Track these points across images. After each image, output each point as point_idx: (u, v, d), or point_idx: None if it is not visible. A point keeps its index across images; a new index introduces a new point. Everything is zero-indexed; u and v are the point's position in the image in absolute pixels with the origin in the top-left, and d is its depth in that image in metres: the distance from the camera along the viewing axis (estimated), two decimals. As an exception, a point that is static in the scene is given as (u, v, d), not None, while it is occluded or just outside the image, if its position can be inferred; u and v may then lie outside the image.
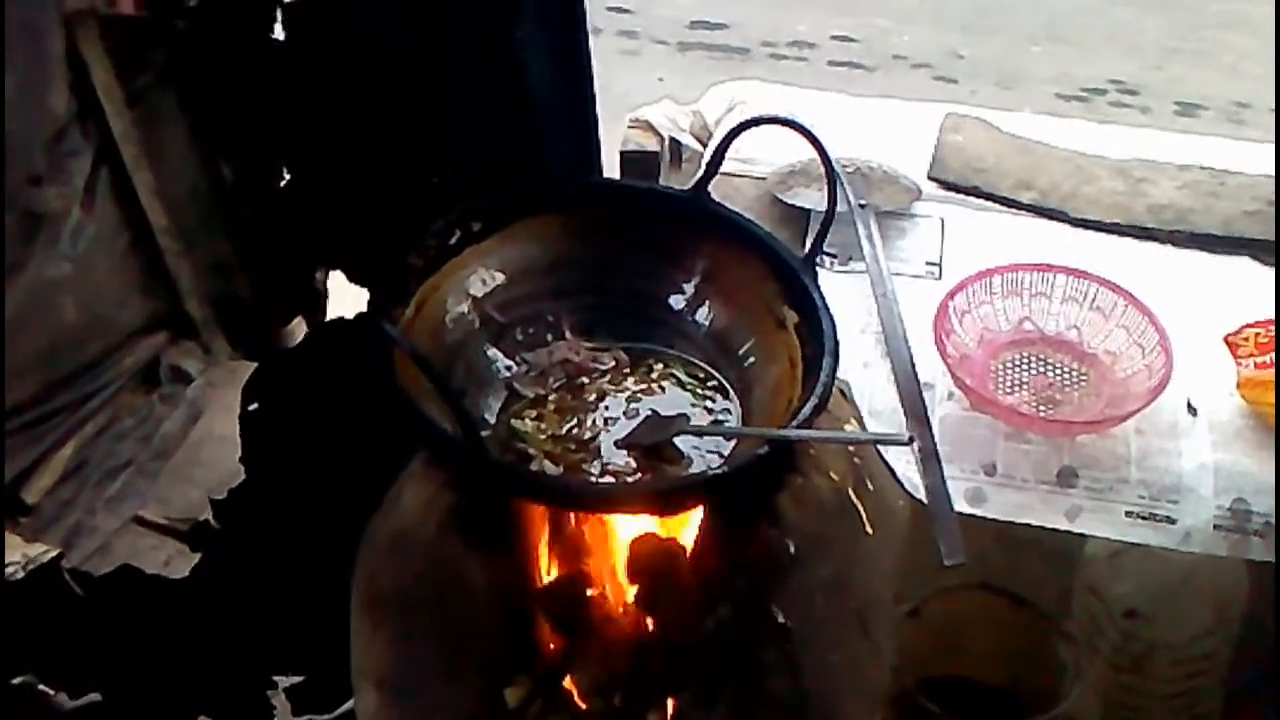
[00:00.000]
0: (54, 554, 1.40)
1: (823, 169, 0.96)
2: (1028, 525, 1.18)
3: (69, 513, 1.63)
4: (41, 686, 1.35)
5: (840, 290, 1.34)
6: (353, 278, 1.12)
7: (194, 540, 1.20)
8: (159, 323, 1.81)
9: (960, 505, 1.15)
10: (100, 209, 1.69)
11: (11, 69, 1.45)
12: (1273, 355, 1.22)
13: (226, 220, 1.72)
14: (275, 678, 1.33)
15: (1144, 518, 1.17)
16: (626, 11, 3.37)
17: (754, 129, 0.98)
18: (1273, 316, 1.24)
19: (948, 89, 3.09)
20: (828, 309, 0.95)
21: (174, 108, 1.68)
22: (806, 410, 0.87)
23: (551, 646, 0.93)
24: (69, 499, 1.64)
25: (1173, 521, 1.16)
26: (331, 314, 1.38)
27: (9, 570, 1.35)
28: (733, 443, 0.93)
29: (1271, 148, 1.57)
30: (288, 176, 1.10)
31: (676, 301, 1.02)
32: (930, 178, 1.52)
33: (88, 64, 1.59)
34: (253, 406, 1.11)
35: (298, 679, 1.33)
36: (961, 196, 1.50)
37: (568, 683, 0.93)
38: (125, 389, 1.77)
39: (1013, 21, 3.38)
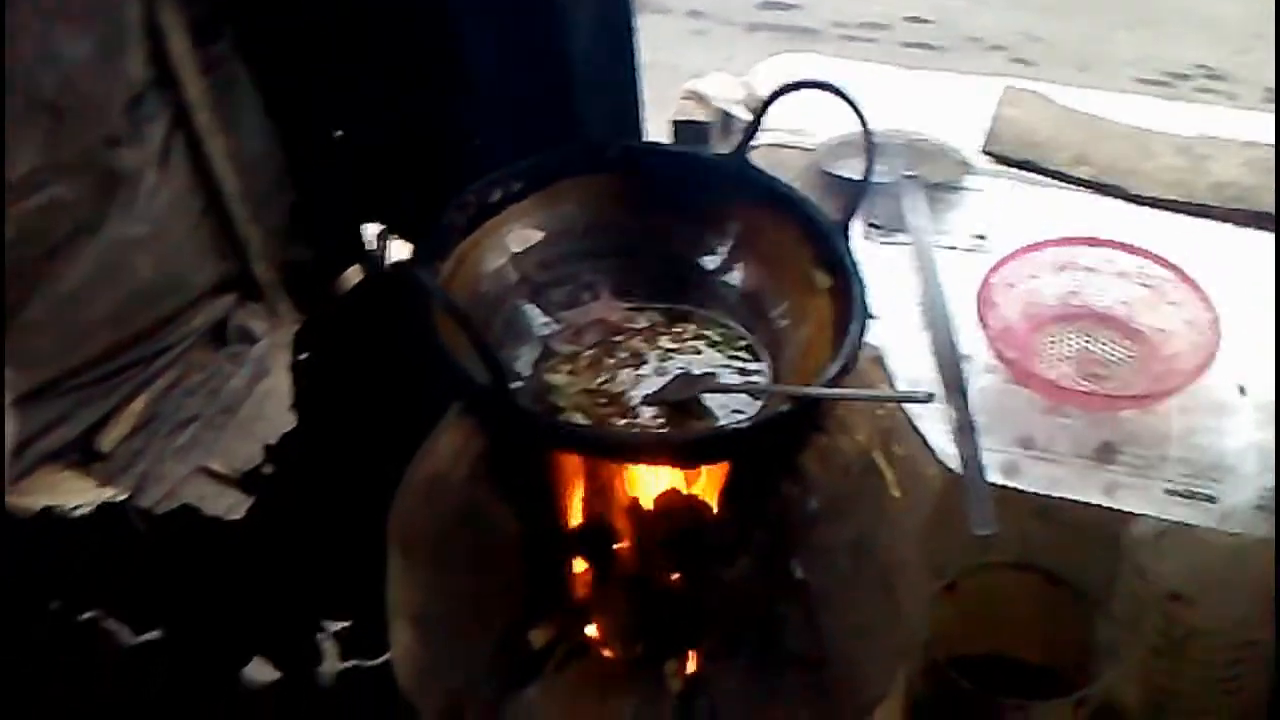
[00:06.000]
0: (124, 497, 1.47)
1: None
2: (1063, 499, 1.17)
3: (139, 461, 1.69)
4: (106, 623, 1.42)
5: (886, 261, 1.34)
6: (400, 234, 1.15)
7: (248, 484, 1.25)
8: (228, 284, 1.87)
9: (994, 477, 1.15)
10: (175, 173, 1.75)
11: (91, 36, 1.51)
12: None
13: (293, 185, 1.77)
14: (324, 623, 1.38)
15: (1184, 495, 1.16)
16: (696, -10, 3.37)
17: (804, 102, 0.99)
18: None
19: (1024, 71, 3.04)
20: (860, 272, 0.96)
21: (246, 76, 1.74)
22: (832, 370, 0.88)
23: (576, 593, 0.96)
24: (140, 449, 1.71)
25: (1213, 500, 1.15)
26: (388, 275, 1.42)
27: (81, 509, 1.43)
28: (760, 402, 0.94)
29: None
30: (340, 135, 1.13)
31: (712, 263, 1.04)
32: (985, 151, 1.51)
33: (165, 33, 1.65)
34: (303, 356, 1.15)
35: (345, 624, 1.38)
36: (1015, 170, 1.49)
37: (592, 630, 0.96)
38: (195, 347, 1.83)
39: (1095, 3, 3.30)
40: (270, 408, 1.79)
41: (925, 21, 3.26)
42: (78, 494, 1.52)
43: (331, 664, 1.41)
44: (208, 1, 1.67)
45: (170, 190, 1.72)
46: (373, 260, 1.35)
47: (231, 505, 1.58)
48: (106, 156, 1.59)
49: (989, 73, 1.74)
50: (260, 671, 1.42)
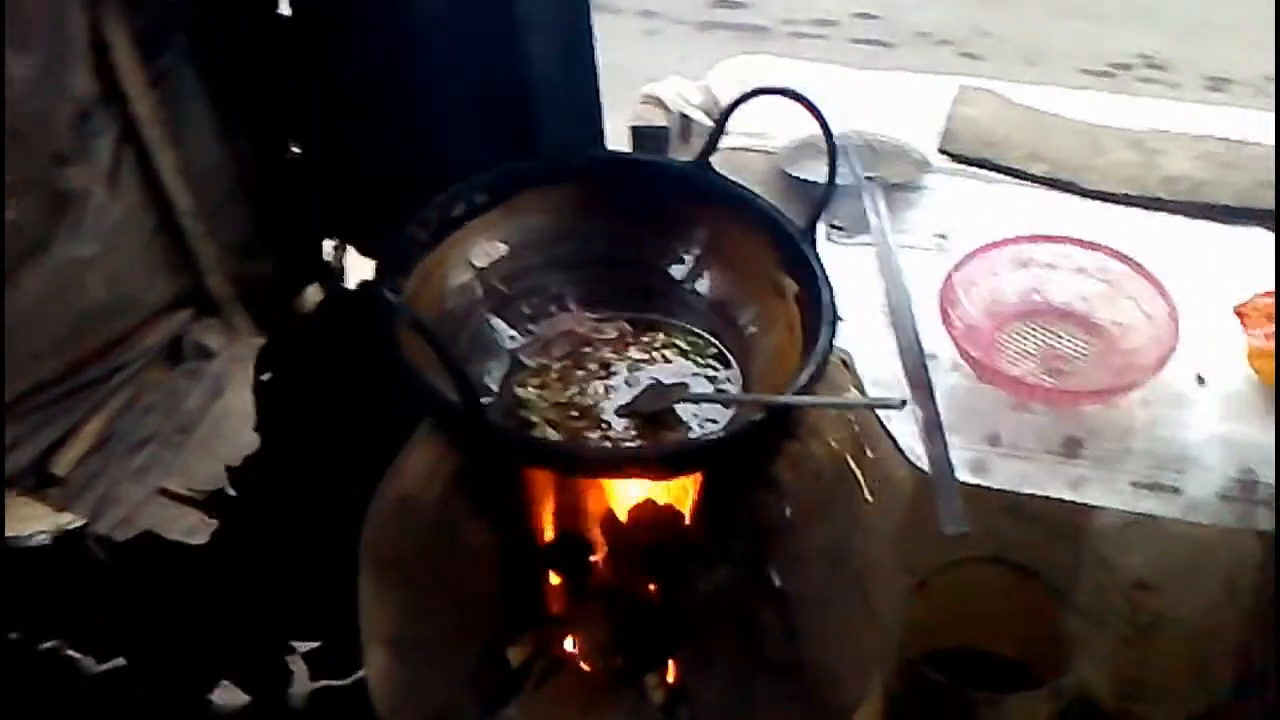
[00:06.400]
0: (81, 523, 1.44)
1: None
2: (1031, 495, 1.18)
3: (97, 484, 1.66)
4: (69, 652, 1.38)
5: (848, 263, 1.34)
6: (362, 250, 1.14)
7: (211, 508, 1.23)
8: (183, 300, 1.84)
9: (963, 475, 1.16)
10: (125, 189, 1.71)
11: (35, 52, 1.48)
12: (1281, 325, 1.21)
13: (247, 198, 1.75)
14: (293, 643, 1.36)
15: (1149, 488, 1.17)
16: (648, -9, 3.37)
17: (763, 104, 0.99)
18: (1283, 287, 1.24)
19: (971, 65, 3.07)
20: (827, 278, 0.96)
21: (195, 88, 1.71)
22: (803, 377, 0.88)
23: (553, 608, 0.95)
24: (97, 471, 1.68)
25: (1178, 491, 1.17)
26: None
27: (39, 539, 1.39)
28: (732, 410, 0.94)
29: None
30: (297, 151, 1.12)
31: (679, 271, 1.04)
32: (941, 151, 1.52)
33: (111, 46, 1.62)
34: (266, 376, 1.14)
35: (314, 645, 1.36)
36: (972, 169, 1.50)
37: (569, 644, 0.95)
38: (150, 365, 1.80)
39: (1038, -5, 3.35)
40: (229, 425, 1.77)
41: (873, 17, 3.29)
42: (34, 520, 1.48)
43: (302, 685, 1.39)
44: (153, 13, 1.64)
45: (120, 207, 1.69)
46: (332, 275, 1.34)
47: (192, 527, 1.55)
48: (54, 175, 1.56)
49: (938, 67, 1.76)
50: (229, 696, 1.40)
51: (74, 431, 1.70)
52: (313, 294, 1.50)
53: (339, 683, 1.39)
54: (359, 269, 1.48)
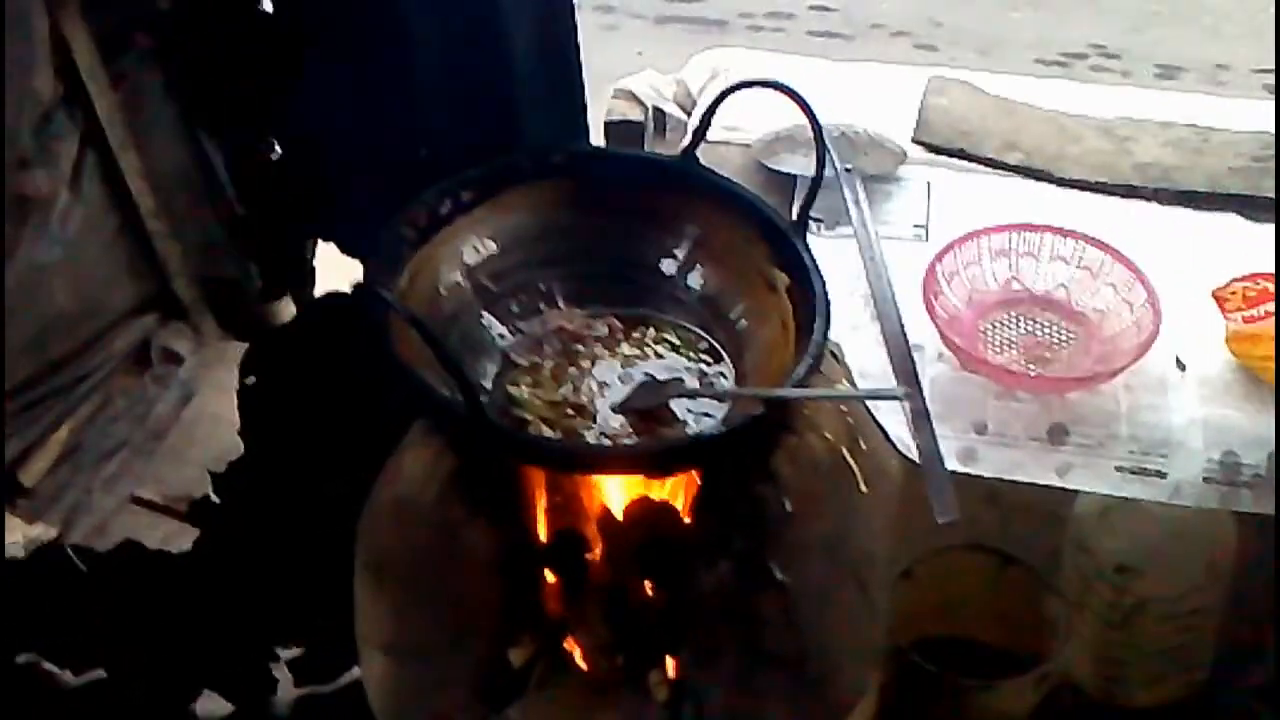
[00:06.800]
0: (54, 534, 1.41)
1: (809, 134, 0.97)
2: (1019, 483, 1.18)
3: (67, 494, 1.63)
4: (45, 665, 1.36)
5: (829, 255, 1.34)
6: (345, 250, 1.12)
7: (195, 516, 1.21)
8: (149, 304, 1.82)
9: (952, 464, 1.16)
10: (88, 192, 1.68)
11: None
12: (1261, 309, 1.23)
13: (214, 200, 1.72)
14: (276, 650, 1.34)
15: (1134, 472, 1.18)
16: (603, -14, 3.36)
17: (741, 96, 0.99)
18: (1260, 270, 1.25)
19: (928, 56, 3.09)
20: (818, 271, 0.96)
21: (158, 88, 1.68)
22: (800, 371, 0.88)
23: (554, 608, 0.94)
24: (66, 481, 1.65)
25: (1163, 475, 1.17)
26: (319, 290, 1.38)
27: (10, 550, 1.36)
28: (727, 404, 0.94)
29: (1252, 104, 1.59)
30: (279, 151, 1.10)
31: (668, 267, 1.03)
32: (915, 141, 1.53)
33: (71, 46, 1.58)
34: (250, 380, 1.12)
35: (298, 651, 1.34)
36: (947, 159, 1.50)
37: (570, 644, 0.94)
38: (118, 371, 1.77)
39: (991, -15, 3.37)
40: (201, 431, 1.74)
41: (829, 10, 3.30)
42: (5, 533, 1.45)
43: (286, 692, 1.37)
44: (114, 13, 1.61)
45: (84, 210, 1.66)
46: (309, 277, 1.32)
47: (167, 535, 1.52)
48: (16, 180, 1.52)
49: (895, 59, 1.76)
50: (212, 705, 1.38)
51: (42, 441, 1.67)
52: (286, 303, 1.48)
53: (323, 689, 1.37)
54: (331, 271, 1.45)
